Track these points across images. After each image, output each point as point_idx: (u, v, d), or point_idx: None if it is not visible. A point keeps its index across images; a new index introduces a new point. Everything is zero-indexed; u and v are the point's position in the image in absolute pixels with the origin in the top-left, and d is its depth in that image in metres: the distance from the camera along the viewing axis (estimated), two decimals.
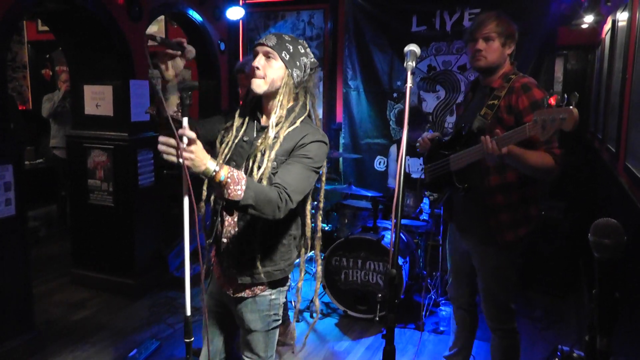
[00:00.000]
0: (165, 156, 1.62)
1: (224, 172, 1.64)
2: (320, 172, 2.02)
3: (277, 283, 2.07)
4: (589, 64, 5.18)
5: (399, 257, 3.91)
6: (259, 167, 1.89)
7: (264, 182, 1.86)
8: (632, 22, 3.07)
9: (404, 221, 4.26)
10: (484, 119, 2.43)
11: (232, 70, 3.17)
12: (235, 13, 5.55)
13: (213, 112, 2.88)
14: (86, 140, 4.39)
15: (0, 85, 3.34)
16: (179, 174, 1.83)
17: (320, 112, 5.91)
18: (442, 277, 4.25)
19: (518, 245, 2.52)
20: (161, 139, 1.60)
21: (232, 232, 2.00)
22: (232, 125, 2.06)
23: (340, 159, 5.80)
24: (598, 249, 1.42)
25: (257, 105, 2.05)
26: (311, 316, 4.00)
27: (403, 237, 4.19)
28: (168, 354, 3.51)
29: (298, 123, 1.94)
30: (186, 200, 1.90)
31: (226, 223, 2.02)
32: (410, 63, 1.80)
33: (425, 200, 4.39)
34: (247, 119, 2.05)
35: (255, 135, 2.01)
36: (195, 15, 5.04)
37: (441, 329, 3.85)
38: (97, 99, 4.30)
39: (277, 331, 2.19)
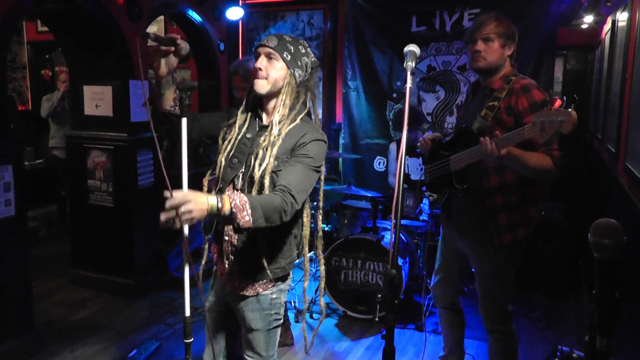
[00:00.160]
0: (170, 224, 1.62)
1: (227, 203, 1.66)
2: (320, 172, 2.04)
3: (278, 281, 2.08)
4: (588, 64, 5.19)
5: (399, 258, 3.91)
6: (260, 165, 1.91)
7: (266, 179, 1.89)
8: (632, 23, 3.07)
9: (403, 222, 4.26)
10: (483, 120, 2.43)
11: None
12: (234, 13, 5.55)
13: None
14: (86, 141, 4.39)
15: None
16: (178, 175, 1.84)
17: (320, 112, 5.91)
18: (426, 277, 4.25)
19: (516, 247, 2.52)
20: (162, 216, 1.60)
21: (232, 230, 2.02)
22: (234, 122, 2.08)
23: (340, 160, 5.80)
24: (598, 249, 1.42)
25: (259, 104, 2.07)
26: (311, 316, 4.00)
27: (403, 237, 4.19)
28: (168, 354, 3.51)
29: (298, 120, 1.97)
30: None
31: None
32: (410, 63, 1.80)
33: (425, 201, 4.39)
34: (249, 117, 2.07)
35: (256, 133, 2.03)
36: (194, 16, 5.04)
37: (440, 329, 3.85)
38: (97, 100, 4.30)
39: (279, 330, 2.20)
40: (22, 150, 3.71)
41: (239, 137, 2.03)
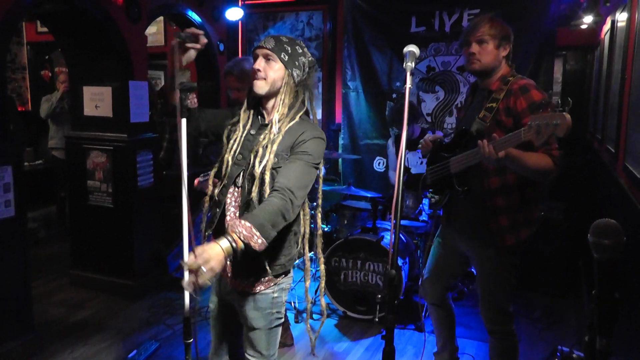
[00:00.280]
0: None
1: (237, 239, 1.72)
2: (319, 169, 2.08)
3: (278, 277, 2.09)
4: (588, 64, 5.19)
5: (399, 258, 3.91)
6: (261, 162, 1.95)
7: (267, 175, 1.93)
8: (631, 23, 3.07)
9: (403, 222, 4.26)
10: (482, 121, 2.43)
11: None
12: (234, 14, 5.55)
13: None
14: (85, 142, 4.38)
15: None
16: (178, 175, 1.86)
17: (319, 113, 5.94)
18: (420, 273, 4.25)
19: (518, 248, 2.52)
20: (189, 287, 1.67)
21: None
22: (238, 121, 2.11)
23: (340, 160, 5.80)
24: (597, 250, 1.42)
25: (259, 103, 2.10)
26: (311, 317, 3.99)
27: (402, 237, 4.19)
28: (167, 354, 3.51)
29: (298, 118, 2.02)
30: (185, 201, 1.91)
31: (228, 218, 2.05)
32: (409, 64, 1.80)
33: (425, 201, 4.39)
34: (251, 115, 2.11)
35: (257, 131, 2.07)
36: (194, 16, 5.04)
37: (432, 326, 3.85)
38: (97, 100, 4.30)
39: (280, 329, 2.21)
40: (22, 151, 3.71)
41: (244, 134, 2.07)
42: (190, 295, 1.89)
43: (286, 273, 2.13)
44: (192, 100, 2.07)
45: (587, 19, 4.39)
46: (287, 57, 1.98)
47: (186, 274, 1.66)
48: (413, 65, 1.80)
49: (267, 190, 1.93)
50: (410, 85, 1.75)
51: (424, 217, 4.43)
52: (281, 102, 2.01)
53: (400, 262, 3.89)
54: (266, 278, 2.05)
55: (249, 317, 2.10)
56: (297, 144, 1.96)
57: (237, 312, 2.17)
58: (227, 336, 2.29)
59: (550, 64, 4.93)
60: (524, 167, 2.27)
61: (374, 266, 3.90)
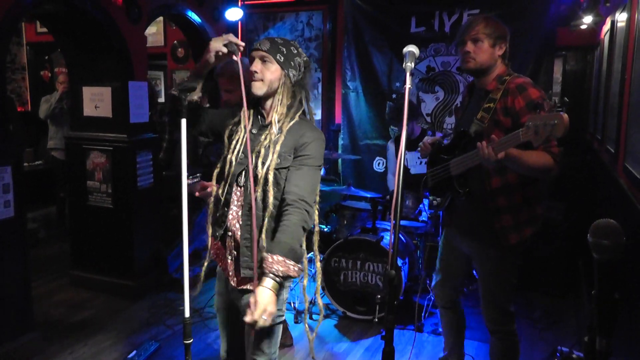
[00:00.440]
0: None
1: (277, 276, 1.81)
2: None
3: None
4: (588, 64, 5.19)
5: (398, 258, 3.91)
6: (264, 163, 1.99)
7: (270, 175, 1.98)
8: (631, 23, 3.07)
9: (403, 222, 4.26)
10: (481, 122, 2.43)
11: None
12: (234, 14, 5.55)
13: None
14: (85, 142, 4.38)
15: None
16: (178, 175, 1.87)
17: (319, 113, 5.94)
18: (427, 276, 4.24)
19: (521, 247, 2.52)
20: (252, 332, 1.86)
21: (237, 225, 2.07)
22: (239, 121, 2.15)
23: (339, 160, 5.80)
24: (597, 250, 1.42)
25: (258, 104, 2.13)
26: (310, 317, 4.00)
27: (402, 238, 4.19)
28: (167, 355, 3.51)
29: (297, 118, 2.08)
30: (184, 201, 1.91)
31: (230, 217, 2.08)
32: (409, 64, 1.81)
33: (425, 202, 4.39)
34: (251, 114, 2.15)
35: (258, 131, 2.11)
36: (194, 17, 5.03)
37: (440, 330, 3.84)
38: (96, 101, 4.30)
39: (281, 327, 2.22)
40: (22, 151, 3.71)
41: (246, 134, 2.09)
42: (190, 296, 1.91)
43: None
44: (204, 101, 2.11)
45: (587, 19, 4.39)
46: (282, 58, 2.03)
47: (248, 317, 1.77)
48: (413, 65, 1.81)
49: (271, 190, 1.98)
50: (410, 86, 1.75)
51: (423, 217, 4.43)
52: (279, 102, 2.06)
53: (399, 262, 3.89)
54: None
55: None
56: (299, 147, 2.01)
57: (239, 311, 2.19)
58: (236, 334, 2.32)
59: (550, 65, 4.93)
60: (524, 166, 2.27)
61: (374, 266, 3.90)
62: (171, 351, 3.55)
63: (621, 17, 3.48)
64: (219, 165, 2.14)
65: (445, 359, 3.10)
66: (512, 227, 2.46)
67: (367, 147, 5.67)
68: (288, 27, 5.96)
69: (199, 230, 4.34)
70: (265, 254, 1.86)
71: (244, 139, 2.08)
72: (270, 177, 1.98)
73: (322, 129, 5.81)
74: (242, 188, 2.07)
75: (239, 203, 2.07)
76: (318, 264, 2.20)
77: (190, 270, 2.03)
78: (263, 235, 1.98)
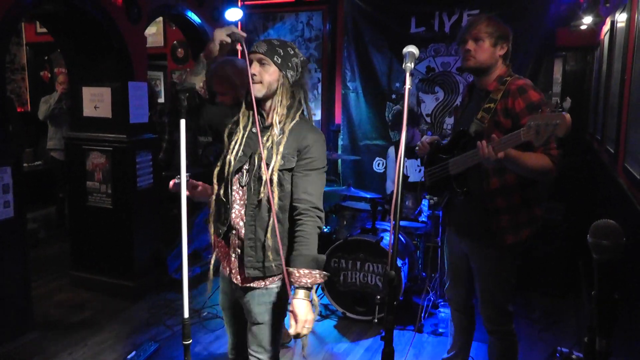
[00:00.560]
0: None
1: (308, 288, 1.95)
2: None
3: (281, 274, 2.13)
4: (587, 65, 5.19)
5: (398, 259, 3.91)
6: (268, 164, 2.02)
7: (274, 176, 2.01)
8: (631, 24, 3.07)
9: (402, 223, 4.26)
10: (480, 122, 2.43)
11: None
12: (234, 14, 5.54)
13: None
14: (85, 142, 4.38)
15: None
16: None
17: (319, 114, 5.94)
18: (441, 279, 4.24)
19: (518, 247, 2.52)
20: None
21: (241, 223, 2.09)
22: (239, 121, 2.16)
23: (339, 161, 5.80)
24: (597, 250, 1.42)
25: (258, 104, 2.13)
26: None
27: (402, 238, 4.19)
28: (167, 355, 3.51)
29: (297, 117, 2.10)
30: (184, 202, 1.92)
31: (233, 215, 2.11)
32: (409, 64, 1.81)
33: (424, 202, 4.39)
34: (250, 115, 2.16)
35: (260, 132, 2.11)
36: (193, 17, 5.03)
37: (440, 330, 3.85)
38: (96, 101, 4.30)
39: (282, 325, 2.25)
40: (21, 151, 3.71)
41: (245, 135, 2.13)
42: (190, 297, 1.92)
43: None
44: (203, 91, 2.15)
45: (587, 20, 4.39)
46: (280, 59, 2.04)
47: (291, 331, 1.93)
48: (412, 66, 1.81)
49: (276, 190, 2.01)
50: (409, 86, 1.75)
51: (423, 218, 4.43)
52: (279, 103, 2.07)
53: (399, 263, 3.88)
54: (271, 274, 2.10)
55: (253, 312, 2.15)
56: (302, 150, 2.04)
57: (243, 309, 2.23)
58: (241, 332, 2.35)
59: (550, 65, 4.93)
60: (523, 168, 2.27)
61: (374, 267, 3.90)
62: (171, 352, 3.55)
63: (621, 18, 3.49)
64: (219, 165, 2.15)
65: (449, 359, 3.09)
66: (510, 228, 2.46)
67: (366, 147, 5.67)
68: (288, 27, 5.96)
69: (198, 230, 4.34)
70: (291, 269, 1.97)
71: (243, 139, 2.11)
72: (275, 178, 2.01)
73: (322, 129, 5.80)
74: (244, 188, 2.09)
75: (242, 202, 2.09)
76: None
77: (189, 270, 2.03)
78: (268, 235, 2.03)
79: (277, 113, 2.07)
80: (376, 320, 3.72)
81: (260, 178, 2.03)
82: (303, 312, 1.91)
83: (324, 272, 1.99)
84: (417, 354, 3.57)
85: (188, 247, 1.97)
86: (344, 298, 4.01)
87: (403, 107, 1.75)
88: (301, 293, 1.94)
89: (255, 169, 2.05)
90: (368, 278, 3.92)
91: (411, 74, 1.78)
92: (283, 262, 2.01)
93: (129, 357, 3.40)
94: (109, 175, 4.32)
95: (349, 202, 4.87)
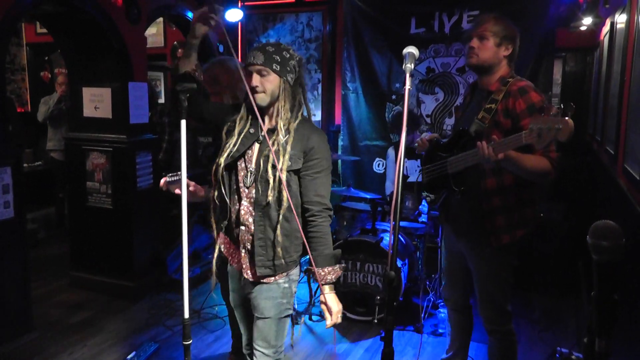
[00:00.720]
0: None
1: (333, 282, 2.16)
2: None
3: (289, 269, 2.21)
4: (587, 66, 5.19)
5: (398, 259, 3.91)
6: (274, 166, 2.06)
7: (283, 176, 2.06)
8: (631, 24, 3.07)
9: (402, 223, 4.26)
10: (481, 122, 2.43)
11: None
12: (234, 15, 5.54)
13: None
14: (85, 143, 4.38)
15: None
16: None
17: (318, 114, 5.95)
18: (440, 279, 4.24)
19: (514, 247, 2.52)
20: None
21: (250, 219, 2.15)
22: (238, 121, 2.21)
23: (339, 161, 5.80)
24: (596, 251, 1.42)
25: (262, 111, 2.17)
26: (310, 319, 4.00)
27: (402, 239, 4.19)
28: (166, 356, 3.51)
29: (300, 117, 2.17)
30: (184, 202, 1.92)
31: (242, 212, 2.16)
32: (408, 65, 1.81)
33: (424, 203, 4.39)
34: (250, 120, 2.20)
35: (256, 131, 2.17)
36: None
37: (440, 331, 3.85)
38: (96, 101, 4.30)
39: (288, 321, 2.31)
40: (21, 152, 3.71)
41: (243, 132, 2.17)
42: (190, 297, 1.92)
43: (295, 265, 2.25)
44: (199, 72, 2.20)
45: (587, 21, 4.39)
46: (278, 66, 2.08)
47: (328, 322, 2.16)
48: (412, 66, 1.81)
49: (284, 191, 2.06)
50: (409, 87, 1.75)
51: (423, 218, 4.43)
52: (282, 107, 2.12)
53: (399, 263, 3.89)
54: (281, 271, 2.17)
55: (260, 306, 2.21)
56: (308, 151, 2.11)
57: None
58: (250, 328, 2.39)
59: (549, 66, 4.93)
60: (522, 169, 2.27)
61: (374, 267, 3.90)
62: (170, 352, 3.55)
63: (620, 19, 3.49)
64: (218, 163, 2.18)
65: (448, 359, 3.09)
66: (504, 228, 2.46)
67: (366, 148, 5.67)
68: (288, 28, 5.96)
69: (198, 231, 4.34)
70: (316, 269, 2.12)
71: (239, 138, 2.16)
72: (284, 178, 2.06)
73: (322, 129, 5.80)
74: (251, 188, 2.14)
75: (249, 200, 2.14)
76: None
77: (189, 271, 2.04)
78: (278, 232, 2.10)
79: (281, 118, 2.11)
80: (376, 321, 3.72)
81: (267, 180, 2.08)
82: (335, 304, 2.13)
83: (343, 265, 2.19)
84: (416, 354, 3.57)
85: (188, 247, 1.97)
86: (344, 298, 3.98)
87: (403, 108, 1.75)
88: (328, 288, 2.13)
89: (261, 171, 2.09)
90: (368, 278, 3.92)
91: (411, 75, 1.78)
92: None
93: (128, 357, 3.39)
94: (108, 176, 4.32)
95: (348, 202, 4.87)
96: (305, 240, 2.14)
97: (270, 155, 2.07)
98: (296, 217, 2.13)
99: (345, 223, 4.56)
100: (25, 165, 5.93)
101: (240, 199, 2.17)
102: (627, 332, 2.40)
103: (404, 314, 4.02)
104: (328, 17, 5.80)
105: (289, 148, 2.07)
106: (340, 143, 5.81)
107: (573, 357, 2.73)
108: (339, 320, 2.16)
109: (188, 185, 2.62)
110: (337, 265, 2.16)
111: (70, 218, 4.75)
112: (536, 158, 2.26)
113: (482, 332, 2.74)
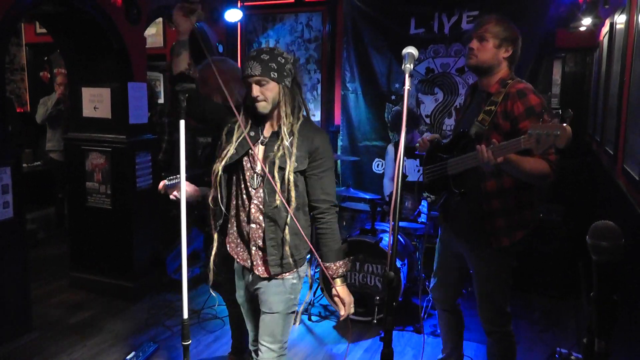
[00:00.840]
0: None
1: (343, 276, 2.31)
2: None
3: (297, 266, 2.27)
4: (587, 66, 5.19)
5: (397, 260, 3.91)
6: (282, 168, 2.11)
7: (291, 179, 2.11)
8: (630, 25, 3.07)
9: (402, 224, 4.25)
10: (481, 124, 2.43)
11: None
12: (233, 15, 5.55)
13: None
14: (84, 143, 4.38)
15: None
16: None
17: (318, 114, 5.95)
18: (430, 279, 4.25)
19: (513, 249, 2.52)
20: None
21: (260, 217, 2.20)
22: (237, 128, 2.23)
23: (339, 162, 5.80)
24: (596, 252, 1.42)
25: (265, 117, 2.21)
26: (309, 319, 4.00)
27: (401, 239, 4.19)
28: (166, 356, 3.51)
29: (301, 117, 2.21)
30: (184, 202, 1.92)
31: (253, 210, 2.20)
32: (408, 65, 1.81)
33: (424, 203, 4.39)
34: (249, 125, 2.23)
35: (267, 140, 2.21)
36: None
37: (439, 331, 3.84)
38: (95, 102, 4.30)
39: (293, 317, 2.37)
40: (20, 152, 3.71)
41: (242, 134, 2.20)
42: (189, 298, 1.93)
43: (304, 262, 2.32)
44: (194, 70, 2.24)
45: (586, 21, 4.40)
46: (276, 74, 2.10)
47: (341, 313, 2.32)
48: (412, 67, 1.81)
49: (292, 190, 2.12)
50: (409, 87, 1.75)
51: (422, 218, 4.43)
52: (284, 112, 2.15)
53: (399, 263, 3.89)
54: (289, 269, 2.23)
55: (269, 301, 2.26)
56: (313, 152, 2.16)
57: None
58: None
59: (549, 66, 4.94)
60: (521, 172, 2.27)
61: (373, 268, 3.90)
62: (170, 352, 3.55)
63: (620, 19, 3.49)
64: (216, 169, 2.21)
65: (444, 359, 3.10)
66: (504, 230, 2.47)
67: (366, 148, 5.67)
68: (287, 28, 5.96)
69: (197, 231, 4.34)
70: (327, 264, 2.24)
71: (238, 139, 2.19)
72: (292, 179, 2.11)
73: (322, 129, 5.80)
74: (256, 189, 2.18)
75: (259, 199, 2.19)
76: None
77: (189, 271, 2.04)
78: (287, 231, 2.15)
79: (284, 123, 2.14)
80: (375, 321, 3.72)
81: (274, 184, 2.11)
82: (347, 296, 2.28)
83: (351, 257, 2.28)
84: (416, 355, 3.57)
85: (187, 247, 1.98)
86: None
87: (402, 108, 1.75)
88: (340, 281, 2.26)
89: (268, 175, 2.13)
90: (367, 279, 3.92)
91: (410, 75, 1.79)
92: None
93: (128, 357, 3.39)
94: (108, 176, 4.32)
95: (348, 202, 4.87)
96: (306, 239, 2.19)
97: (277, 161, 2.11)
98: (303, 215, 2.21)
99: (344, 223, 4.56)
100: (24, 165, 5.93)
101: (250, 199, 2.21)
102: (627, 332, 2.40)
103: (404, 315, 4.02)
104: (327, 18, 5.80)
105: (294, 150, 2.11)
106: (339, 143, 5.81)
107: (573, 357, 2.73)
108: (352, 310, 2.30)
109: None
110: (346, 259, 2.28)
111: (69, 218, 4.75)
112: (535, 161, 2.26)
113: (482, 332, 2.74)
